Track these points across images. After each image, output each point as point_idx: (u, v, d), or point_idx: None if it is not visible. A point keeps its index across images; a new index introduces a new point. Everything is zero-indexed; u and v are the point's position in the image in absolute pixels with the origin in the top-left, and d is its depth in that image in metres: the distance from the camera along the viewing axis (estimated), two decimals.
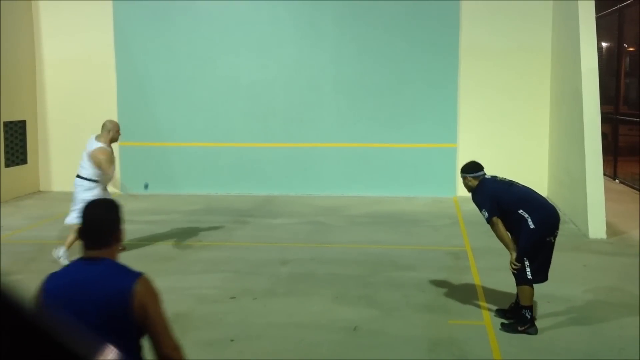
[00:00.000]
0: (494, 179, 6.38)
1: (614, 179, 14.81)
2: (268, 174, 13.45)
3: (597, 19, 10.77)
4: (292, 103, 13.38)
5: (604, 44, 17.09)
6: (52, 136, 13.93)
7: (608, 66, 16.48)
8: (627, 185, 14.23)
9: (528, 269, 6.00)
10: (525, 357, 5.57)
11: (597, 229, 9.71)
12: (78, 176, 8.56)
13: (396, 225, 10.67)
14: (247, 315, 6.58)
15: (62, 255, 8.33)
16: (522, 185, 6.35)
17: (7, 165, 13.02)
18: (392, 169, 13.35)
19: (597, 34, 10.44)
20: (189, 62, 13.47)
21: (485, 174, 6.40)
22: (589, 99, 10.10)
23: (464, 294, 7.18)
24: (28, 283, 7.63)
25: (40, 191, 13.97)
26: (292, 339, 5.95)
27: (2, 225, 10.48)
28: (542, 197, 6.36)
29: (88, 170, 8.49)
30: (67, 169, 13.55)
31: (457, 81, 13.07)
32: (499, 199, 6.08)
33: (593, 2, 10.47)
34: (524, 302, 6.07)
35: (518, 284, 6.11)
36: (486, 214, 6.06)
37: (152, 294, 2.85)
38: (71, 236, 8.30)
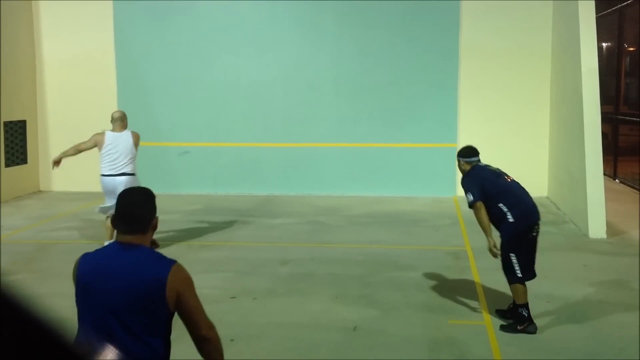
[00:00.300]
0: (486, 167, 6.49)
1: (614, 179, 14.81)
2: (268, 174, 13.45)
3: (597, 19, 10.77)
4: (292, 103, 13.38)
5: (604, 44, 17.09)
6: (52, 136, 13.94)
7: (608, 66, 16.48)
8: (628, 185, 14.23)
9: (517, 267, 6.05)
10: (525, 357, 5.57)
11: (597, 228, 9.71)
12: (124, 174, 8.57)
13: (396, 225, 10.67)
14: (247, 315, 6.58)
15: None
16: (509, 179, 6.42)
17: (7, 165, 13.02)
18: (392, 169, 13.36)
19: (597, 34, 10.43)
20: (189, 62, 13.47)
21: (479, 160, 6.51)
22: (589, 99, 10.10)
23: (464, 294, 7.18)
24: (28, 283, 7.62)
25: (40, 191, 13.98)
26: (292, 339, 5.96)
27: (2, 225, 10.48)
28: (525, 193, 6.38)
29: (131, 165, 8.62)
30: (67, 169, 13.54)
31: (457, 81, 13.07)
32: (484, 187, 6.19)
33: (593, 2, 10.47)
34: (518, 300, 6.10)
35: (510, 282, 6.15)
36: (471, 197, 6.17)
37: (186, 281, 2.99)
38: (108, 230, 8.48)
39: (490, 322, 6.28)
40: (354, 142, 13.34)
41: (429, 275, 7.82)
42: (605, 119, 12.66)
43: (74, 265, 3.06)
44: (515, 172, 12.81)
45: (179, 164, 13.65)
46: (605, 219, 9.77)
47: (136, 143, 8.76)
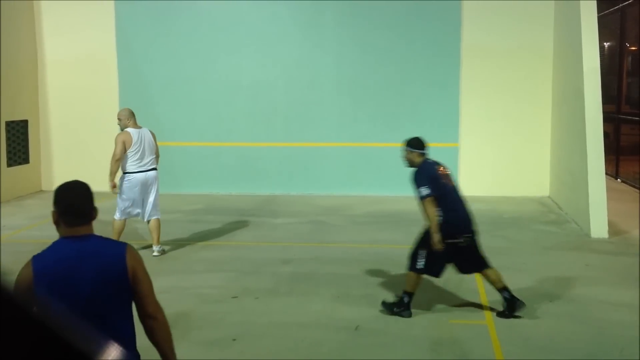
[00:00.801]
0: (435, 163, 6.63)
1: (616, 179, 14.80)
2: (269, 174, 13.45)
3: (599, 19, 10.76)
4: (293, 102, 13.38)
5: (605, 44, 17.07)
6: (54, 136, 13.95)
7: (610, 65, 16.46)
8: (629, 184, 14.22)
9: (421, 261, 6.31)
10: (526, 356, 5.57)
11: (599, 228, 9.70)
12: (154, 169, 8.71)
13: (398, 225, 10.66)
14: (248, 314, 6.58)
15: (156, 250, 8.75)
16: (450, 183, 6.52)
17: (9, 165, 13.03)
18: (393, 168, 13.29)
19: (598, 33, 10.42)
20: (190, 62, 13.47)
21: (428, 154, 6.69)
22: (590, 99, 10.10)
23: (466, 293, 7.18)
24: None
25: (42, 191, 13.99)
26: (294, 339, 5.96)
27: (4, 224, 10.49)
28: (461, 202, 6.47)
29: (154, 160, 8.72)
30: (69, 168, 13.57)
31: (459, 81, 13.06)
32: (433, 183, 6.33)
33: (595, 1, 10.46)
34: (407, 287, 6.43)
35: (408, 269, 6.45)
36: (425, 192, 6.25)
37: (139, 260, 3.20)
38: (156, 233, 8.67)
39: (492, 322, 6.28)
40: (356, 141, 13.34)
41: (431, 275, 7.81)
42: (607, 118, 12.64)
43: (20, 271, 3.06)
44: (517, 171, 12.97)
45: (181, 164, 13.65)
46: (607, 218, 9.76)
47: (155, 139, 8.86)
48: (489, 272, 6.45)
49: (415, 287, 6.42)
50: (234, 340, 5.90)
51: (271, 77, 13.35)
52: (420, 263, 6.31)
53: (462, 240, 6.25)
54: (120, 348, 1.05)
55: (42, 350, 1.01)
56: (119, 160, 8.46)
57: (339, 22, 13.18)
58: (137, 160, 8.51)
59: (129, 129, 8.55)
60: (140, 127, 8.66)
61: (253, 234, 10.12)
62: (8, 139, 13.00)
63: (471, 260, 6.45)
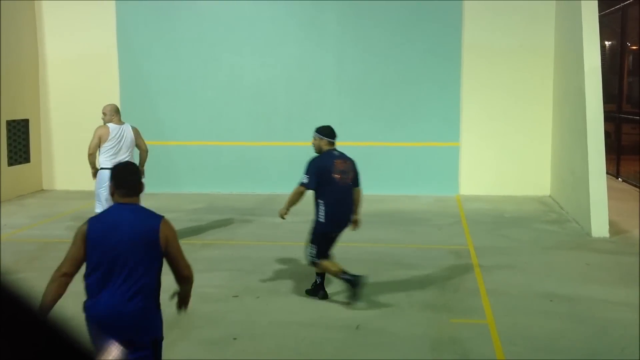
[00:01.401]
0: (337, 157, 6.89)
1: (617, 178, 14.79)
2: (270, 173, 13.45)
3: (600, 18, 10.75)
4: (294, 102, 13.38)
5: (606, 43, 17.06)
6: (55, 135, 13.96)
7: (611, 65, 16.45)
8: (630, 183, 14.21)
9: (314, 254, 6.78)
10: (527, 356, 5.57)
11: (599, 227, 9.70)
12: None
13: (399, 224, 10.66)
14: (249, 313, 6.58)
15: None
16: (342, 182, 6.78)
17: (10, 164, 13.04)
18: (394, 168, 13.35)
19: (600, 32, 10.42)
20: (191, 61, 13.47)
21: (334, 144, 7.00)
22: (591, 98, 10.09)
23: (467, 292, 7.18)
24: (30, 282, 7.66)
25: (43, 190, 14.00)
26: (295, 338, 5.96)
27: (5, 223, 10.50)
28: (347, 202, 6.82)
29: (131, 157, 8.58)
30: (70, 168, 13.59)
31: (460, 80, 13.06)
32: (322, 175, 6.67)
33: (596, 0, 10.45)
34: (318, 269, 6.88)
35: (310, 264, 6.91)
36: (303, 180, 6.70)
37: (172, 230, 4.03)
38: None
39: (493, 321, 6.28)
40: (357, 141, 13.31)
41: (431, 274, 7.82)
42: (608, 117, 12.64)
43: (79, 229, 3.94)
44: (517, 170, 12.96)
45: (182, 163, 13.65)
46: (607, 217, 9.76)
47: (137, 136, 8.79)
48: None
49: (326, 268, 6.81)
50: (235, 339, 5.90)
51: (272, 77, 13.35)
52: (313, 255, 6.78)
53: (340, 232, 6.88)
54: (121, 348, 1.05)
55: (42, 350, 1.01)
56: (92, 154, 8.52)
57: (340, 21, 13.18)
58: (111, 156, 8.44)
59: (109, 124, 8.58)
60: (123, 124, 8.65)
61: (254, 233, 10.12)
62: (9, 138, 13.00)
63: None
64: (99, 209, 8.33)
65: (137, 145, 8.90)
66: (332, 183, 6.70)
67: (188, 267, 4.05)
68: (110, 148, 8.51)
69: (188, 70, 13.48)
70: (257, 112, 13.44)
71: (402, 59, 13.13)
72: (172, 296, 4.17)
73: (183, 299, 4.17)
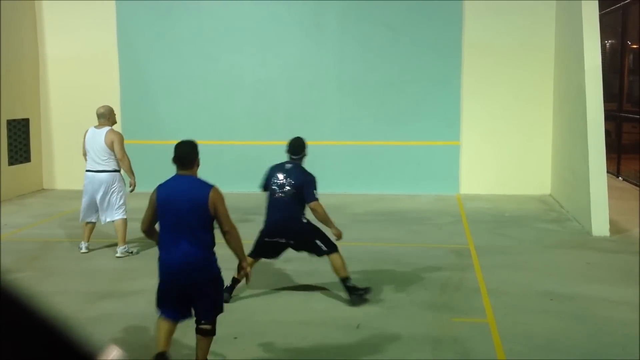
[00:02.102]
0: (280, 169, 7.46)
1: (617, 177, 14.79)
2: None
3: (601, 17, 10.75)
4: (295, 101, 13.38)
5: (607, 42, 17.05)
6: (56, 134, 13.95)
7: (611, 64, 16.44)
8: (631, 182, 14.20)
9: (252, 247, 6.98)
10: (528, 355, 5.57)
11: (600, 226, 9.70)
12: (104, 171, 8.46)
13: (399, 223, 10.66)
14: (250, 312, 6.59)
15: (119, 251, 8.60)
16: (279, 192, 7.16)
17: (10, 164, 13.04)
18: (395, 167, 13.35)
19: (600, 31, 10.41)
20: (192, 61, 13.47)
21: (291, 157, 7.56)
22: (592, 97, 10.08)
23: (467, 291, 7.18)
24: (31, 281, 7.60)
25: (43, 189, 14.00)
26: (295, 337, 5.96)
27: (5, 223, 10.50)
28: (281, 212, 7.03)
29: (109, 162, 8.46)
30: (70, 167, 13.58)
31: (460, 79, 13.06)
32: (268, 180, 7.30)
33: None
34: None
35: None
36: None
37: (221, 197, 4.98)
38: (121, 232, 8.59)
39: (494, 320, 6.28)
40: (357, 140, 13.34)
41: (432, 273, 7.82)
42: (609, 116, 12.63)
43: (152, 192, 5.01)
44: (518, 169, 12.97)
45: None
46: (608, 216, 9.75)
47: (111, 142, 8.45)
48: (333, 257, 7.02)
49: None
50: (235, 338, 5.90)
51: (273, 76, 13.35)
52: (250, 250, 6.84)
53: (283, 241, 6.97)
54: (121, 350, 1.05)
55: (42, 350, 1.01)
56: (83, 155, 8.69)
57: (341, 20, 13.17)
58: (89, 159, 8.56)
59: (90, 128, 8.62)
60: (101, 127, 8.52)
61: (254, 233, 10.08)
62: (9, 137, 13.00)
63: (307, 249, 7.06)
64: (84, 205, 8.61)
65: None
66: (271, 194, 7.26)
67: (229, 224, 5.00)
68: (87, 152, 8.58)
69: (188, 69, 13.47)
70: (258, 111, 13.44)
71: (403, 58, 13.13)
72: (238, 272, 5.56)
73: (243, 270, 5.30)
